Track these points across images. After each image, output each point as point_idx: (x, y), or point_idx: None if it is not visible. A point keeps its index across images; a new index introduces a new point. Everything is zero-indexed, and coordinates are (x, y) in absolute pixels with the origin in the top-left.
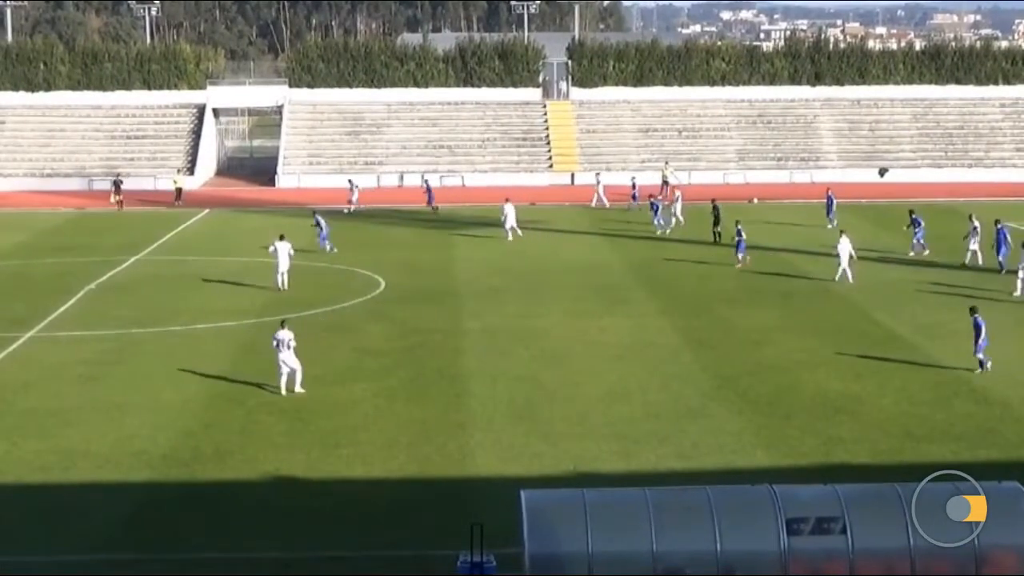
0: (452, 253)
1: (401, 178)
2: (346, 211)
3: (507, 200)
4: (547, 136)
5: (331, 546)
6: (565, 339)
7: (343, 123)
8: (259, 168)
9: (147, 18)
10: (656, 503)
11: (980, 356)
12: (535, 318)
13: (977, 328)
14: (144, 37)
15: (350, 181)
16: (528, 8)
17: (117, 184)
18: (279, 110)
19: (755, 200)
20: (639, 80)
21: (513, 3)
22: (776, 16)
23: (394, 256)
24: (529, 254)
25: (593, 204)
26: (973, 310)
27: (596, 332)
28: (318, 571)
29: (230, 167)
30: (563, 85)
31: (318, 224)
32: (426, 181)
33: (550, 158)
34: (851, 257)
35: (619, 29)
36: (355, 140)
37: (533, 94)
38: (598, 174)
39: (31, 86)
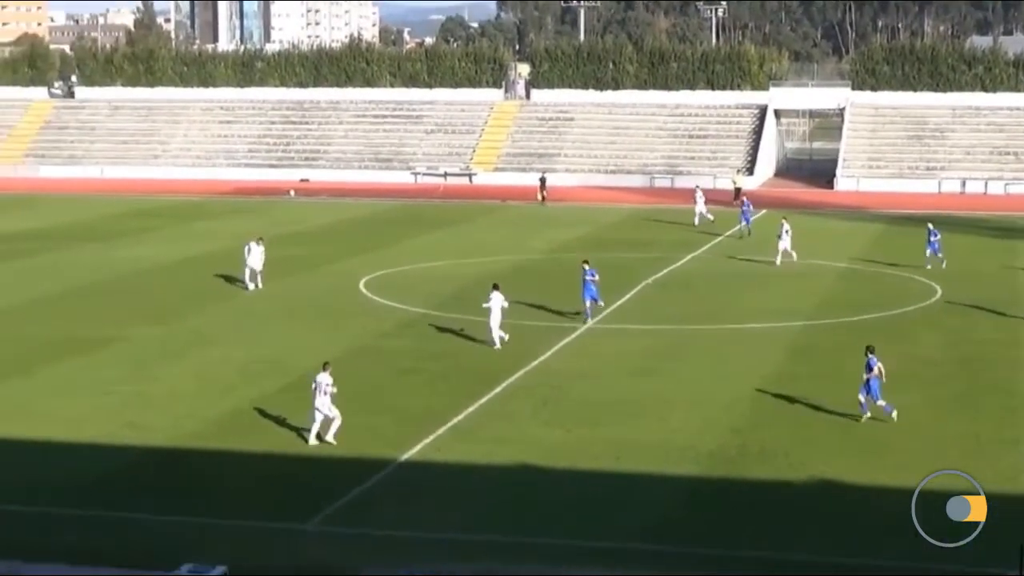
0: (1014, 262)
1: (963, 184)
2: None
3: (784, 219)
4: None
5: (871, 555)
6: None
7: (905, 127)
8: (818, 170)
9: (713, 19)
10: None
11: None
12: None
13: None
14: (710, 38)
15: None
16: None
17: (543, 180)
18: (840, 112)
19: None
20: None
21: None
22: None
23: (951, 264)
24: None
25: None
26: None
27: None
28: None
29: (789, 168)
30: None
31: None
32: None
33: None
34: None
35: None
36: (917, 144)
37: None
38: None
39: (600, 84)
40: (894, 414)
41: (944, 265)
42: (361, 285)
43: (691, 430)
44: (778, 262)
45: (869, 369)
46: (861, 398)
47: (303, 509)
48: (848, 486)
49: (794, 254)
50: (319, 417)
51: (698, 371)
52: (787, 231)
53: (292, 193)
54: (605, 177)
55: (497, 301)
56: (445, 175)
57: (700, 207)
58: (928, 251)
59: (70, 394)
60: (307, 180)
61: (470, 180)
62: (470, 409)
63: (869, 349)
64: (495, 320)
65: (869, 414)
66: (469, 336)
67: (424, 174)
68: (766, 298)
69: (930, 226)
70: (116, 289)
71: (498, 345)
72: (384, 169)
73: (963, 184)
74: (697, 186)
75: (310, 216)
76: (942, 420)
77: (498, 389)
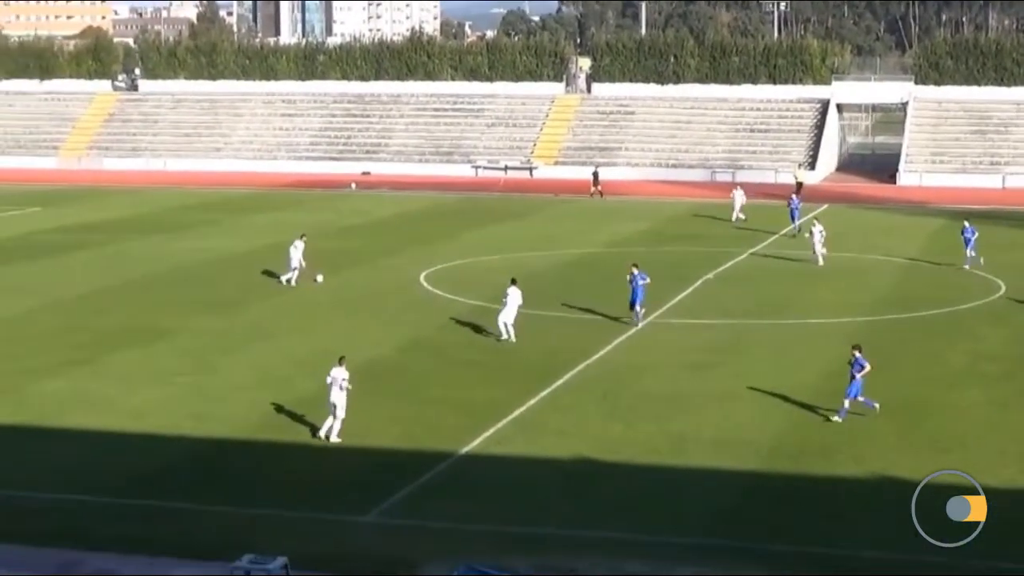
0: None
1: None
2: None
3: (816, 220)
4: None
5: (933, 552)
6: None
7: (969, 121)
8: (880, 165)
9: (775, 13)
10: None
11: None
12: None
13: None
14: (772, 32)
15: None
16: None
17: (596, 175)
18: (903, 107)
19: None
20: None
21: None
22: None
23: (1015, 259)
24: None
25: None
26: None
27: None
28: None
29: (851, 163)
30: None
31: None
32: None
33: None
34: None
35: None
36: (981, 139)
37: None
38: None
39: (661, 78)
40: (876, 406)
41: (967, 266)
42: (421, 278)
43: (752, 425)
44: (820, 262)
45: (861, 368)
46: (846, 403)
47: (363, 501)
48: (908, 481)
49: (821, 258)
50: (338, 413)
51: (759, 365)
52: (820, 231)
53: (353, 186)
54: (666, 171)
55: (514, 296)
56: (506, 169)
57: (736, 206)
58: (968, 250)
59: (133, 384)
60: (368, 173)
61: (531, 174)
62: (531, 402)
63: (856, 347)
64: (506, 315)
65: (840, 419)
66: (526, 329)
67: (485, 167)
68: (827, 293)
69: (966, 223)
70: (178, 281)
71: (504, 336)
72: (445, 162)
73: None
74: (738, 185)
75: (371, 209)
76: (1006, 417)
77: (559, 382)
